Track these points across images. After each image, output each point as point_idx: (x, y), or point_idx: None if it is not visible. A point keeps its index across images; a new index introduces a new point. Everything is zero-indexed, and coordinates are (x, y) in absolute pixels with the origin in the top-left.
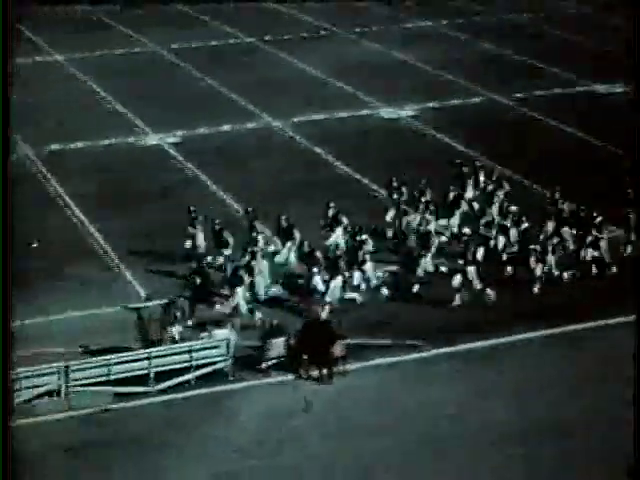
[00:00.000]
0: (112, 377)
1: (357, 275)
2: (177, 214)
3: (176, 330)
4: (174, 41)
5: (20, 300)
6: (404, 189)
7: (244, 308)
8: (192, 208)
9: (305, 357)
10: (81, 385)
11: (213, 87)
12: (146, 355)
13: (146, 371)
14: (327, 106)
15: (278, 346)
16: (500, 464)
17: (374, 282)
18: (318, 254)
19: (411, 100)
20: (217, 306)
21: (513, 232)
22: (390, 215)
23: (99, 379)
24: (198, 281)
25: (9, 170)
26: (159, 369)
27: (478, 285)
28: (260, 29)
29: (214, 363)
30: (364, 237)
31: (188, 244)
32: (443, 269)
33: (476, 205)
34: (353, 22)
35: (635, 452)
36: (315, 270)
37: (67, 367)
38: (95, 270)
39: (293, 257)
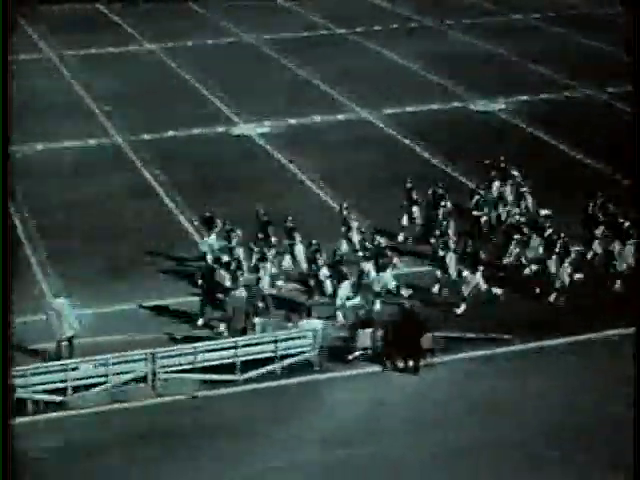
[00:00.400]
0: (199, 365)
1: (376, 279)
2: (266, 204)
3: (258, 321)
4: (266, 32)
5: (108, 287)
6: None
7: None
8: (207, 210)
9: (393, 349)
10: (168, 372)
11: (304, 78)
12: (233, 344)
13: (232, 360)
14: (418, 98)
15: (365, 337)
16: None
17: (393, 284)
18: (322, 257)
19: (503, 93)
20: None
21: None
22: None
23: (186, 367)
24: (204, 283)
25: (9, 170)
26: (246, 358)
27: (483, 286)
28: (351, 21)
29: (301, 353)
30: (380, 241)
31: (206, 245)
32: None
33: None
34: (444, 14)
35: (635, 453)
36: (322, 273)
37: (154, 354)
38: (183, 258)
39: (303, 258)
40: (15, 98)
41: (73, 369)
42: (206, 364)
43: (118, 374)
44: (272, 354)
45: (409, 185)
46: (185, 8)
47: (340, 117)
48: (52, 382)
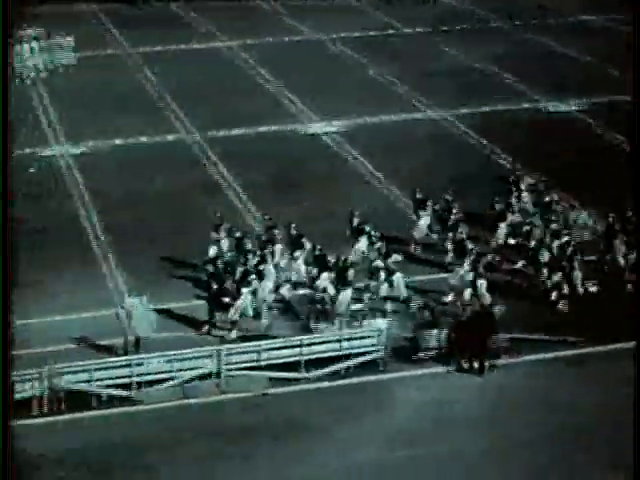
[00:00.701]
0: (264, 362)
1: (384, 287)
2: (338, 203)
3: (316, 326)
4: (339, 30)
5: (170, 284)
6: (429, 202)
7: (250, 311)
8: (218, 214)
9: (459, 349)
10: (235, 369)
11: (378, 77)
12: (298, 342)
13: (297, 358)
14: (492, 98)
15: (431, 337)
16: None
17: (404, 295)
18: (330, 258)
19: (575, 94)
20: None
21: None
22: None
23: (252, 364)
24: (215, 285)
25: (9, 169)
26: (311, 357)
27: (488, 299)
28: (420, 20)
29: (367, 353)
30: (381, 244)
31: (212, 252)
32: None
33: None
34: (516, 14)
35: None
36: (325, 275)
37: (220, 351)
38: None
39: (302, 266)
40: (92, 94)
41: (138, 365)
42: (273, 362)
43: (184, 370)
44: (338, 353)
45: (419, 196)
46: (259, 6)
47: (414, 116)
48: (118, 377)
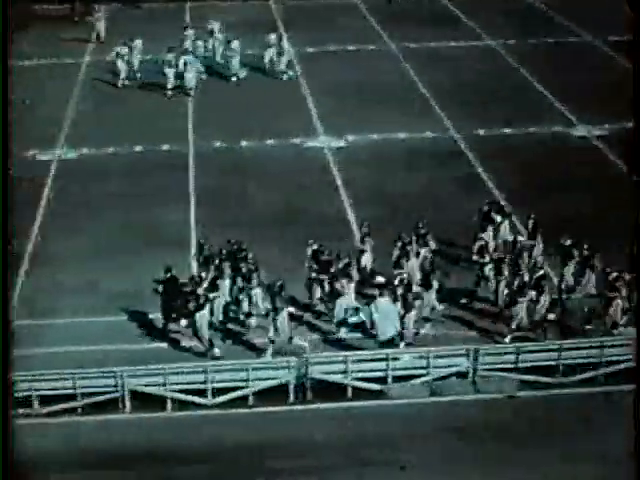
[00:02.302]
0: (521, 365)
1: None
2: (593, 207)
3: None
4: (606, 32)
5: None
6: (368, 239)
7: (206, 338)
8: (202, 241)
9: None
10: (489, 370)
11: None
12: (557, 347)
13: (554, 362)
14: None
15: None
16: None
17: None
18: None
19: None
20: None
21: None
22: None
23: (508, 365)
24: (161, 290)
25: (9, 169)
26: (568, 362)
27: (439, 306)
28: None
29: (623, 362)
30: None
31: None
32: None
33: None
34: None
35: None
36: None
37: (477, 350)
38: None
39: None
40: (350, 88)
41: (394, 359)
42: (529, 364)
43: (439, 368)
44: (595, 360)
45: (365, 230)
46: (531, 5)
47: None
48: (371, 370)
